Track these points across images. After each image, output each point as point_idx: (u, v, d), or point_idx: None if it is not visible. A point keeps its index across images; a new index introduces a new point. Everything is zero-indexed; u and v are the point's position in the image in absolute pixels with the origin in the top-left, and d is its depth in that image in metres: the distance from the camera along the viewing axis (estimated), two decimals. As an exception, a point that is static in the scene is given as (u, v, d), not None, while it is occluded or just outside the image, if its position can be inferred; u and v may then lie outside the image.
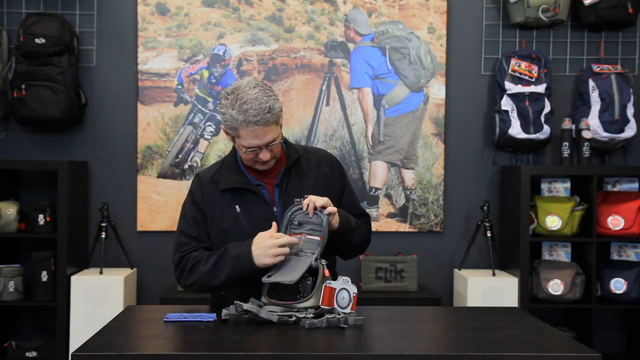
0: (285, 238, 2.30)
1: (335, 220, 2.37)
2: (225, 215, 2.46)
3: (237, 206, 2.45)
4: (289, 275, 2.24)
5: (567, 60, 4.50)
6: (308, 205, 2.32)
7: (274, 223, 2.36)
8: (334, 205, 2.39)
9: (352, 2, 4.45)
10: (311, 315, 2.20)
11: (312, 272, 2.28)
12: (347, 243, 2.48)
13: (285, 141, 2.56)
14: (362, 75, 4.45)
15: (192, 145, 4.44)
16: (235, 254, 2.33)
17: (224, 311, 2.23)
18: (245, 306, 2.20)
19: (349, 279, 2.25)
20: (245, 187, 2.47)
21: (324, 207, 2.33)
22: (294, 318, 2.19)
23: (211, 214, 2.48)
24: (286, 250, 2.30)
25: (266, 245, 2.29)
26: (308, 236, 2.33)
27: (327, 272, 2.27)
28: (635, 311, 4.38)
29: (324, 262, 2.28)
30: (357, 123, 4.46)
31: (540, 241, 4.33)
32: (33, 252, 4.11)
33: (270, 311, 2.21)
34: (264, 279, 2.27)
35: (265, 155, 2.39)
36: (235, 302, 2.24)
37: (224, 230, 2.45)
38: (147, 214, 4.40)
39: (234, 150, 2.56)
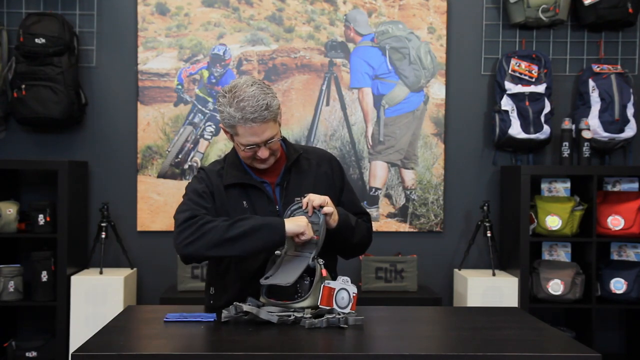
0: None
1: (334, 220, 2.37)
2: (234, 210, 2.45)
3: (244, 202, 2.46)
4: (287, 277, 2.24)
5: (567, 60, 4.50)
6: (307, 204, 2.33)
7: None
8: (334, 204, 2.40)
9: (352, 2, 4.45)
10: (309, 315, 2.20)
11: (310, 272, 2.28)
12: (347, 241, 2.49)
13: (285, 141, 2.57)
14: (362, 75, 4.45)
15: (192, 145, 4.44)
16: (265, 217, 2.35)
17: (224, 312, 2.22)
18: (245, 307, 2.20)
19: (348, 279, 2.25)
20: (250, 184, 2.47)
21: (321, 207, 2.33)
22: (292, 318, 2.19)
23: (219, 205, 2.46)
24: (311, 234, 2.31)
25: (299, 218, 2.32)
26: None
27: (324, 272, 2.27)
28: (635, 311, 4.38)
29: (321, 261, 2.28)
30: (357, 123, 4.46)
31: (540, 241, 4.33)
32: (33, 252, 4.11)
33: (269, 312, 2.21)
34: (262, 281, 2.27)
35: (263, 153, 2.40)
36: (234, 303, 2.24)
37: None
38: (147, 214, 4.40)
39: (235, 149, 2.56)
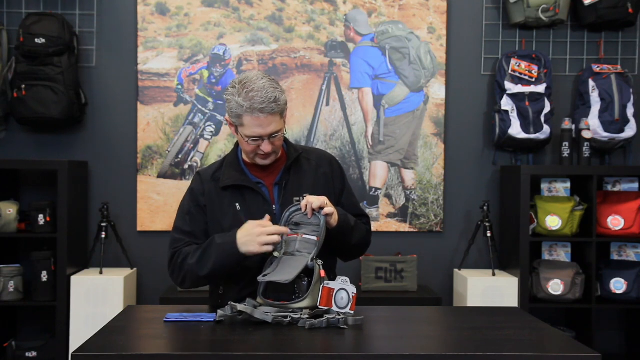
0: (274, 227, 2.31)
1: (334, 220, 2.37)
2: (225, 213, 2.47)
3: (237, 204, 2.47)
4: (285, 275, 2.24)
5: (567, 60, 4.50)
6: (306, 206, 2.33)
7: (267, 215, 2.38)
8: (333, 205, 2.40)
9: (352, 2, 4.45)
10: (306, 316, 2.19)
11: (308, 272, 2.28)
12: (346, 242, 2.48)
13: (286, 141, 2.57)
14: (362, 75, 4.45)
15: (192, 145, 4.44)
16: (220, 242, 2.36)
17: (219, 312, 2.22)
18: (240, 307, 2.20)
19: (347, 279, 2.25)
20: (245, 185, 2.48)
21: (321, 208, 2.33)
22: (288, 319, 2.19)
23: (211, 211, 2.49)
24: (276, 239, 2.30)
25: (253, 233, 2.30)
26: (305, 236, 2.33)
27: (322, 273, 2.26)
28: (635, 311, 4.38)
29: (320, 262, 2.28)
30: (357, 123, 4.46)
31: (540, 241, 4.33)
32: (33, 252, 4.11)
33: (265, 312, 2.20)
34: (260, 278, 2.26)
35: (266, 147, 2.41)
36: (229, 303, 2.24)
37: (223, 228, 2.45)
38: (147, 214, 4.40)
39: (235, 149, 2.57)
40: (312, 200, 2.33)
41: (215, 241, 2.38)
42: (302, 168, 2.55)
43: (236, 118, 2.40)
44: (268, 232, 2.30)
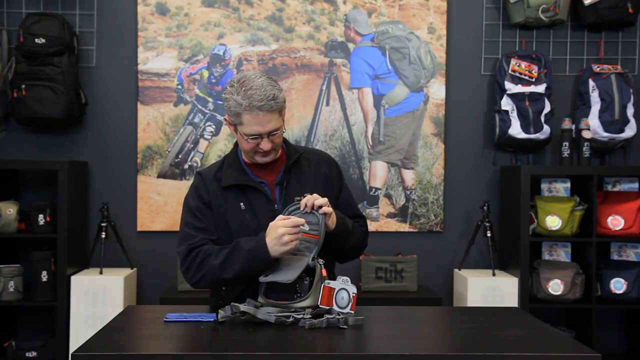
0: (292, 220, 2.28)
1: (332, 221, 2.37)
2: (230, 213, 2.46)
3: (241, 203, 2.47)
4: (286, 275, 2.24)
5: (567, 60, 4.50)
6: (306, 204, 2.33)
7: (280, 215, 2.34)
8: (332, 205, 2.40)
9: (352, 2, 4.45)
10: (309, 316, 2.19)
11: (309, 271, 2.28)
12: (343, 245, 2.49)
13: (285, 141, 2.58)
14: (362, 75, 4.45)
15: (192, 145, 4.44)
16: (249, 247, 2.31)
17: (221, 312, 2.22)
18: (242, 308, 2.20)
19: (348, 279, 2.25)
20: (247, 184, 2.48)
21: (320, 207, 2.33)
22: (291, 319, 2.19)
23: (217, 209, 2.48)
24: (297, 232, 2.27)
25: (279, 234, 2.26)
26: (305, 235, 2.33)
27: (324, 272, 2.27)
28: (635, 311, 4.38)
29: (321, 261, 2.28)
30: (357, 123, 4.46)
31: (540, 241, 4.33)
32: (33, 252, 4.11)
33: (268, 312, 2.20)
34: (261, 279, 2.27)
35: (266, 145, 2.41)
36: (231, 304, 2.24)
37: (230, 227, 2.45)
38: (147, 214, 4.40)
39: (235, 148, 2.57)
40: (315, 197, 2.34)
41: (242, 246, 2.32)
42: (302, 168, 2.56)
43: (235, 117, 2.40)
44: (289, 224, 2.26)
